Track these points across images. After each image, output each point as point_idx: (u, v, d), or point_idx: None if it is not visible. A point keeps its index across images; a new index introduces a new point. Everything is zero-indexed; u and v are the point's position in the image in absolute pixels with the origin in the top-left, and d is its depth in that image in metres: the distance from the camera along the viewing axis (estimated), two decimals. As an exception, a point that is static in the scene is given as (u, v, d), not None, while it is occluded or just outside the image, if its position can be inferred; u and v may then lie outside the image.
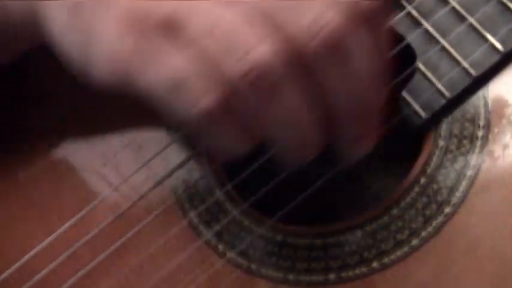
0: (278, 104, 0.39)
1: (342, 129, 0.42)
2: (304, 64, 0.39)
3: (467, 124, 0.47)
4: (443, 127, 0.48)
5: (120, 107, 0.51)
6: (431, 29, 0.49)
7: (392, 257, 0.46)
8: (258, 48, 0.38)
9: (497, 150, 0.47)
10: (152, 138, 0.51)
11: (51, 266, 0.48)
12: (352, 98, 0.40)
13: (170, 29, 0.40)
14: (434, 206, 0.46)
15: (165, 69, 0.39)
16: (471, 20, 0.48)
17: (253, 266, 0.47)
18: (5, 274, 0.48)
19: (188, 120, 0.40)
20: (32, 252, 0.48)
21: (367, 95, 0.41)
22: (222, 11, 0.39)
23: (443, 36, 0.49)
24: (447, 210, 0.46)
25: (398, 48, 0.49)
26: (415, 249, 0.45)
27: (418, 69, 0.48)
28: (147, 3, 0.40)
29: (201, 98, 0.39)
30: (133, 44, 0.40)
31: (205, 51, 0.39)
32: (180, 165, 0.50)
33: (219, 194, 0.49)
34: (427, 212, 0.46)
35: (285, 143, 0.41)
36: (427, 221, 0.46)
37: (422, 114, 0.48)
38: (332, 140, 0.42)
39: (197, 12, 0.39)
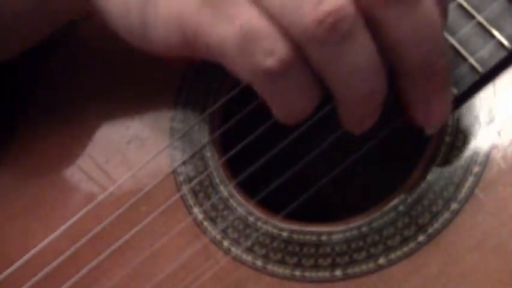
0: (349, 53, 0.39)
1: (412, 84, 0.42)
2: (375, 11, 0.39)
3: (473, 121, 0.47)
4: (450, 123, 0.48)
5: None
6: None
7: (399, 253, 0.45)
8: None
9: (504, 146, 0.46)
10: (155, 135, 0.50)
11: (54, 264, 0.48)
12: (423, 51, 0.40)
13: None
14: (440, 202, 0.46)
15: (236, 23, 0.39)
16: (478, 17, 0.48)
17: (259, 263, 0.47)
18: (7, 272, 0.48)
19: (256, 77, 0.40)
20: (34, 251, 0.48)
21: (435, 44, 0.41)
22: None
23: (451, 33, 0.48)
24: (454, 206, 0.46)
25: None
26: (421, 245, 0.45)
27: (425, 66, 0.48)
28: None
29: (268, 56, 0.39)
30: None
31: (278, 3, 0.39)
32: (184, 163, 0.49)
33: (224, 191, 0.48)
34: (434, 209, 0.46)
35: (352, 94, 0.41)
36: (434, 217, 0.46)
37: (429, 110, 0.48)
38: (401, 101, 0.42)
39: None
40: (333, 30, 0.38)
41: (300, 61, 0.39)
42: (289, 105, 0.41)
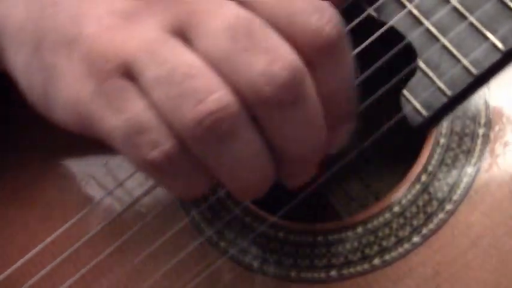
0: (231, 149, 0.39)
1: (290, 169, 0.43)
2: (255, 112, 0.40)
3: (468, 122, 0.48)
4: (445, 125, 0.48)
5: None
6: (432, 28, 0.49)
7: (394, 254, 0.46)
8: (212, 96, 0.38)
9: (498, 148, 0.47)
10: None
11: (52, 264, 0.48)
12: (302, 146, 0.41)
13: (129, 75, 0.40)
14: (435, 203, 0.46)
15: (123, 116, 0.40)
16: (471, 18, 0.49)
17: (255, 264, 0.47)
18: (6, 273, 0.48)
19: (142, 167, 0.41)
20: (33, 252, 0.48)
21: (315, 143, 0.41)
22: (179, 56, 0.39)
23: (444, 35, 0.49)
24: (448, 207, 0.46)
25: (399, 46, 0.49)
26: (416, 246, 0.46)
27: (419, 67, 0.49)
28: (107, 46, 0.40)
29: (152, 149, 0.40)
30: (94, 88, 0.41)
31: (163, 98, 0.39)
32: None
33: (220, 192, 0.49)
34: (429, 209, 0.46)
35: (237, 185, 0.41)
36: (429, 218, 0.46)
37: (424, 112, 0.48)
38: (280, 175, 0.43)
39: (155, 58, 0.39)
40: (212, 130, 0.38)
41: (185, 153, 0.40)
42: (178, 190, 0.42)
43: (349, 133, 0.44)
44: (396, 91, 0.49)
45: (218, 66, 0.39)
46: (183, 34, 0.40)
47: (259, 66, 0.38)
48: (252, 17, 0.39)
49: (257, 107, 0.39)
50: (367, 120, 0.50)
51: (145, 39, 0.40)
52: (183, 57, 0.39)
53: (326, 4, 0.40)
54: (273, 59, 0.39)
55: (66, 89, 0.42)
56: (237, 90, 0.39)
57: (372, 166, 0.57)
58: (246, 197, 0.43)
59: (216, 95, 0.38)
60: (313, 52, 0.40)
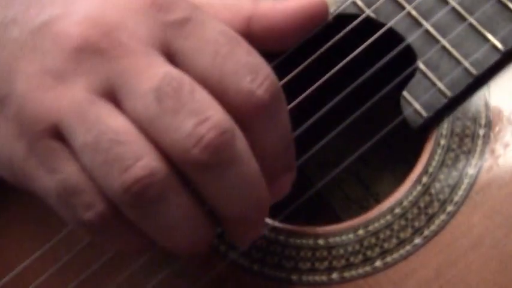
0: (162, 213, 0.40)
1: (231, 228, 0.43)
2: (186, 174, 0.40)
3: (468, 123, 0.48)
4: (445, 126, 0.48)
5: None
6: (431, 29, 0.49)
7: (396, 255, 0.46)
8: (139, 162, 0.38)
9: (499, 148, 0.47)
10: None
11: (51, 271, 0.48)
12: (238, 206, 0.41)
13: (60, 136, 0.40)
14: (436, 205, 0.46)
15: (56, 177, 0.40)
16: (471, 19, 0.49)
17: (256, 267, 0.47)
18: (5, 280, 0.48)
19: (78, 228, 0.41)
20: (22, 266, 0.48)
21: (252, 201, 0.41)
22: (106, 121, 0.39)
23: (444, 36, 0.49)
24: (449, 208, 0.46)
25: (398, 48, 0.49)
26: (418, 247, 0.45)
27: (419, 69, 0.49)
28: (38, 106, 0.40)
29: (86, 211, 0.40)
30: (26, 148, 0.41)
31: (91, 164, 0.39)
32: None
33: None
34: (430, 211, 0.46)
35: (173, 245, 0.41)
36: (430, 219, 0.46)
37: (424, 113, 0.48)
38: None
39: (83, 122, 0.39)
40: (140, 196, 0.38)
41: (118, 216, 0.40)
42: (117, 248, 0.43)
43: (292, 182, 0.44)
44: (396, 93, 0.49)
45: (146, 128, 0.39)
46: (112, 95, 0.40)
47: (186, 127, 0.38)
48: (181, 77, 0.39)
49: (186, 170, 0.39)
50: (367, 122, 0.50)
51: (73, 101, 0.40)
52: (110, 122, 0.39)
53: (261, 63, 0.40)
54: (201, 120, 0.38)
55: (2, 147, 0.42)
56: (166, 152, 0.39)
57: (371, 168, 0.57)
58: (185, 254, 0.43)
59: (142, 162, 0.38)
60: (245, 113, 0.40)
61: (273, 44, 0.44)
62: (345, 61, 0.49)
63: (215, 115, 0.39)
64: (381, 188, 0.56)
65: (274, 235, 0.47)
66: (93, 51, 0.40)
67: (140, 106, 0.39)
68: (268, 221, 0.48)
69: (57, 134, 0.40)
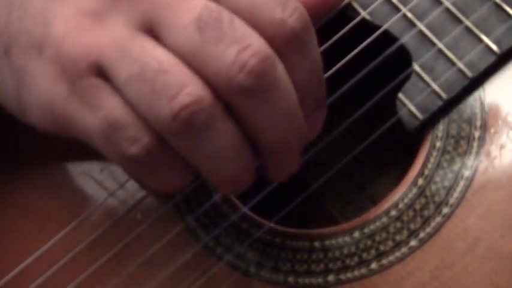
0: (209, 141, 0.40)
1: (274, 160, 0.43)
2: (230, 102, 0.40)
3: (464, 125, 0.48)
4: (440, 128, 0.48)
5: None
6: (426, 31, 0.49)
7: (391, 258, 0.46)
8: (185, 90, 0.39)
9: (494, 150, 0.47)
10: None
11: (49, 272, 0.48)
12: (280, 133, 0.41)
13: (101, 73, 0.40)
14: (432, 207, 0.46)
15: (100, 114, 0.40)
16: (466, 21, 0.49)
17: (252, 269, 0.47)
18: (3, 281, 0.48)
19: (123, 163, 0.41)
20: (29, 260, 0.48)
21: (294, 129, 0.41)
22: (149, 53, 0.40)
23: (439, 38, 0.49)
24: (445, 210, 0.46)
25: (393, 50, 0.49)
26: (414, 250, 0.45)
27: (414, 71, 0.49)
28: (77, 46, 0.41)
29: (131, 145, 0.40)
30: (67, 89, 0.41)
31: (137, 96, 0.39)
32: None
33: (216, 197, 0.49)
34: (425, 213, 0.46)
35: (218, 176, 0.42)
36: (426, 221, 0.46)
37: (419, 115, 0.48)
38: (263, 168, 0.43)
39: (126, 56, 0.40)
40: (188, 123, 0.39)
41: (164, 147, 0.40)
42: (159, 184, 0.42)
43: (323, 120, 0.44)
44: (392, 95, 0.49)
45: (189, 59, 0.39)
46: (152, 30, 0.40)
47: (229, 55, 0.39)
48: (219, 9, 0.40)
49: (231, 96, 0.40)
50: (363, 125, 0.50)
51: (113, 38, 0.40)
52: (153, 54, 0.39)
53: None
54: (243, 47, 0.39)
55: (39, 91, 0.42)
56: (209, 81, 0.39)
57: (367, 170, 0.57)
58: (230, 189, 0.43)
59: (188, 89, 0.39)
60: (279, 43, 0.40)
61: None
62: (340, 63, 0.49)
63: (256, 42, 0.39)
64: (376, 190, 0.56)
65: (271, 237, 0.47)
66: None
67: (182, 38, 0.39)
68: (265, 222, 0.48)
69: (99, 71, 0.40)
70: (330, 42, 0.49)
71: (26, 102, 0.43)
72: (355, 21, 0.50)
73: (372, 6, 0.50)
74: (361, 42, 0.49)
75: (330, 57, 0.49)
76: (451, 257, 0.45)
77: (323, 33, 0.49)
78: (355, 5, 0.51)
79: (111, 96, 0.40)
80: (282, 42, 0.40)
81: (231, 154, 0.40)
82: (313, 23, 0.45)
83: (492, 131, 0.47)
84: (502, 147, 0.47)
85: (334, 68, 0.49)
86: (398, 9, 0.50)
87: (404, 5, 0.50)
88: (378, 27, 0.50)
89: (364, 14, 0.50)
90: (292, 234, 0.47)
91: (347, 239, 0.47)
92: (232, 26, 0.39)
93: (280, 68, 0.40)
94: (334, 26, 0.50)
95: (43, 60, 0.41)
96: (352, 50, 0.49)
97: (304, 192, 0.49)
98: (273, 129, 0.41)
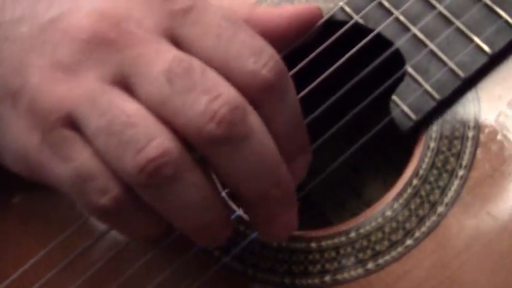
0: (176, 192, 0.40)
1: (255, 212, 0.43)
2: (203, 153, 0.40)
3: (457, 125, 0.48)
4: (434, 129, 0.48)
5: None
6: (419, 34, 0.50)
7: (387, 257, 0.46)
8: (152, 143, 0.39)
9: (488, 149, 0.47)
10: None
11: (47, 277, 0.48)
12: (257, 184, 0.41)
13: (73, 125, 0.41)
14: (427, 206, 0.46)
15: (70, 165, 0.41)
16: (458, 23, 0.49)
17: (250, 271, 0.47)
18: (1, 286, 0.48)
19: (94, 214, 0.42)
20: (28, 265, 0.48)
21: (272, 179, 0.41)
22: (118, 106, 0.40)
23: (432, 40, 0.49)
24: (440, 209, 0.46)
25: (387, 53, 0.50)
26: (409, 249, 0.46)
27: (408, 73, 0.49)
28: (50, 98, 0.41)
29: (101, 196, 0.40)
30: (40, 139, 0.41)
31: (105, 148, 0.40)
32: None
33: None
34: (421, 212, 0.46)
35: (187, 227, 0.42)
36: (421, 221, 0.46)
37: (413, 116, 0.48)
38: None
39: (95, 108, 0.40)
40: (155, 176, 0.39)
41: (133, 197, 0.41)
42: (131, 234, 0.43)
43: (308, 165, 0.44)
44: (385, 97, 0.49)
45: (159, 110, 0.40)
46: (124, 82, 0.41)
47: (199, 105, 0.39)
48: (189, 59, 0.40)
49: (202, 147, 0.40)
50: (358, 129, 0.50)
51: (85, 91, 0.41)
52: (122, 107, 0.40)
53: (264, 45, 0.41)
54: (213, 96, 0.39)
55: (13, 138, 0.43)
56: (180, 132, 0.40)
57: (363, 176, 0.57)
58: (204, 241, 0.43)
59: (155, 142, 0.39)
60: (253, 93, 0.41)
61: None
62: (334, 67, 0.49)
63: (226, 92, 0.40)
64: (373, 196, 0.56)
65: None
66: (102, 42, 0.41)
67: (152, 89, 0.40)
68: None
69: (70, 123, 0.41)
70: (322, 47, 0.50)
71: (2, 149, 0.44)
72: (348, 25, 0.51)
73: (365, 10, 0.51)
74: (355, 47, 0.50)
75: (323, 62, 0.49)
76: (447, 255, 0.45)
77: (313, 39, 0.49)
78: (348, 9, 0.51)
79: (81, 148, 0.41)
80: (256, 93, 0.41)
81: (199, 205, 0.41)
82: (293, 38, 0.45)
83: (486, 130, 0.48)
84: (495, 146, 0.47)
85: (326, 73, 0.49)
86: (391, 13, 0.50)
87: (397, 8, 0.50)
88: (371, 31, 0.51)
89: (357, 18, 0.51)
90: (289, 236, 0.48)
91: (343, 239, 0.47)
92: (202, 76, 0.40)
93: (253, 118, 0.40)
94: (326, 31, 0.50)
95: (17, 110, 0.42)
96: (345, 55, 0.50)
97: (298, 194, 0.49)
98: (248, 179, 0.41)
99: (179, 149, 0.40)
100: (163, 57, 0.40)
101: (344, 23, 0.51)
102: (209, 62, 0.40)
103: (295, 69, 0.49)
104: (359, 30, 0.51)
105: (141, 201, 0.41)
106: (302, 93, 0.48)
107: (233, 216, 0.42)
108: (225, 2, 0.46)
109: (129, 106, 0.40)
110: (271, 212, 0.42)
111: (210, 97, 0.39)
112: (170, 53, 0.40)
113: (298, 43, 0.49)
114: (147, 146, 0.39)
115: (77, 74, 0.41)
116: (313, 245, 0.47)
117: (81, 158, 0.40)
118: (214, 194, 0.41)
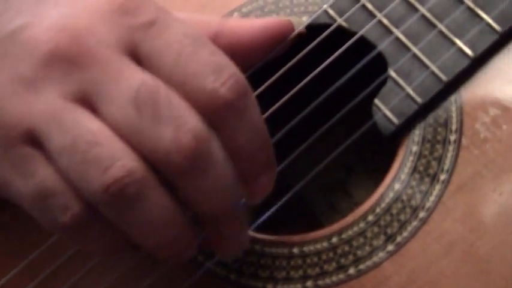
0: (139, 211, 0.40)
1: (211, 230, 0.43)
2: (165, 176, 0.40)
3: (440, 129, 0.48)
4: (416, 132, 0.48)
5: None
6: (402, 37, 0.49)
7: (369, 263, 0.46)
8: (117, 163, 0.39)
9: (470, 153, 0.47)
10: None
11: (35, 282, 0.48)
12: (216, 202, 0.41)
13: (34, 141, 0.41)
14: (408, 211, 0.46)
15: (31, 181, 0.40)
16: (441, 26, 0.49)
17: (232, 277, 0.47)
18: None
19: (55, 230, 0.42)
20: (16, 270, 0.48)
21: (228, 196, 0.42)
22: (83, 124, 0.40)
23: (414, 43, 0.49)
24: (421, 214, 0.46)
25: (370, 56, 0.50)
26: (391, 254, 0.46)
27: (390, 76, 0.49)
28: (10, 114, 0.41)
29: (62, 213, 0.40)
30: (2, 154, 0.41)
31: (68, 166, 0.40)
32: None
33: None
34: (402, 217, 0.46)
35: (149, 245, 0.42)
36: (402, 226, 0.46)
37: (395, 120, 0.48)
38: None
39: (58, 126, 0.40)
40: (119, 196, 0.39)
41: (95, 215, 0.40)
42: (94, 251, 0.43)
43: (273, 181, 0.44)
44: (368, 101, 0.49)
45: (125, 133, 0.40)
46: (87, 100, 0.41)
47: (165, 135, 0.39)
48: (157, 85, 0.40)
49: (167, 173, 0.40)
50: (346, 132, 0.50)
51: (46, 107, 0.40)
52: (87, 125, 0.40)
53: (225, 63, 0.41)
54: (178, 128, 0.39)
55: None
56: (143, 156, 0.40)
57: (355, 178, 0.57)
58: (167, 257, 0.43)
59: (121, 162, 0.39)
60: (211, 113, 0.40)
61: (239, 59, 0.44)
62: (317, 70, 0.49)
63: (192, 122, 0.40)
64: (364, 198, 0.56)
65: (251, 244, 0.48)
66: (62, 58, 0.41)
67: (119, 113, 0.40)
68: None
69: (31, 139, 0.41)
70: (305, 50, 0.49)
71: None
72: (331, 28, 0.51)
73: (348, 13, 0.51)
74: (338, 49, 0.50)
75: (306, 66, 0.49)
76: (427, 261, 0.45)
77: (297, 43, 0.49)
78: (332, 12, 0.51)
79: (42, 165, 0.40)
80: (215, 112, 0.40)
81: (160, 224, 0.41)
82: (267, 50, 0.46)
83: (468, 134, 0.47)
84: (477, 150, 0.47)
85: (309, 76, 0.49)
86: (374, 16, 0.50)
87: (380, 11, 0.50)
88: (354, 34, 0.50)
89: (340, 21, 0.51)
90: (272, 242, 0.48)
91: (325, 244, 0.47)
92: (168, 104, 0.40)
93: (215, 146, 0.40)
94: (310, 34, 0.50)
95: None
96: (329, 57, 0.49)
97: (289, 200, 0.49)
98: (208, 202, 0.41)
99: (144, 169, 0.40)
100: (130, 80, 0.40)
101: (328, 25, 0.51)
102: (169, 80, 0.40)
103: (278, 74, 0.49)
104: (342, 33, 0.51)
105: (103, 219, 0.41)
106: (284, 99, 0.48)
107: (200, 237, 0.43)
108: (195, 15, 0.46)
109: (94, 125, 0.40)
110: (224, 231, 0.43)
111: (176, 128, 0.39)
112: (136, 76, 0.40)
113: (269, 57, 0.48)
114: (112, 165, 0.39)
115: (38, 89, 0.41)
116: (296, 250, 0.47)
117: (42, 174, 0.40)
118: (176, 213, 0.41)
